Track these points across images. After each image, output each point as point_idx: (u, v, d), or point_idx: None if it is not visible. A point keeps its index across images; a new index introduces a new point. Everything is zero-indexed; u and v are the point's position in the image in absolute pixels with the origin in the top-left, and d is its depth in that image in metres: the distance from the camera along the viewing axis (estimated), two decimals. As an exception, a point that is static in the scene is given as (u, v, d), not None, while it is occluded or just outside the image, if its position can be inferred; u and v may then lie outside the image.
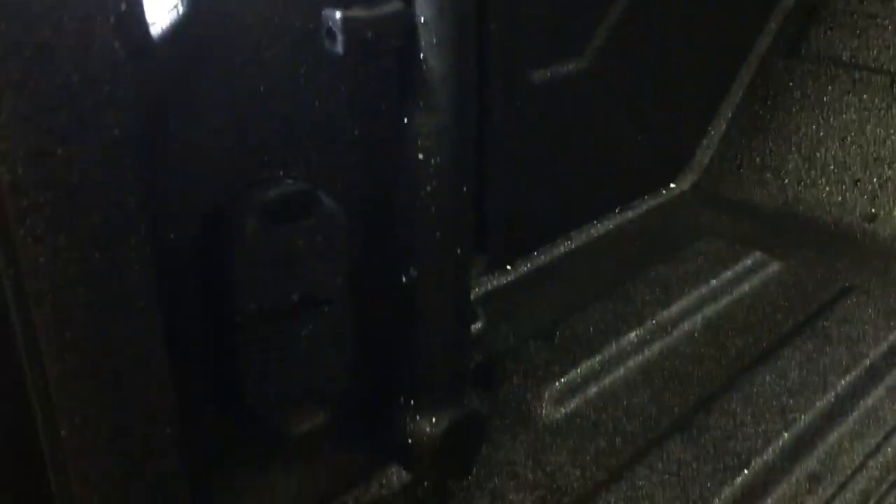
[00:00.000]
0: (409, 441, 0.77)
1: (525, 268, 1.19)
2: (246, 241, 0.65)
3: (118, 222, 0.48)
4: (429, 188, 0.68)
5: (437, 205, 0.68)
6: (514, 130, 1.08)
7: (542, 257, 1.21)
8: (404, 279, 0.72)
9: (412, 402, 0.76)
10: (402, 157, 0.68)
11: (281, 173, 0.68)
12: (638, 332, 1.03)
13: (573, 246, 1.25)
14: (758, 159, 1.38)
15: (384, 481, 0.84)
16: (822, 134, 1.35)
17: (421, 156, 0.68)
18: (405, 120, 0.67)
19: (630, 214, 1.33)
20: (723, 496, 0.81)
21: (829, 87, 1.36)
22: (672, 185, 1.40)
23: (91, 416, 0.50)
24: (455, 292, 0.72)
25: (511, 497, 0.83)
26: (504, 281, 1.16)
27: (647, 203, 1.36)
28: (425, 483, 0.84)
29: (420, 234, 0.69)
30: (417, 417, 0.76)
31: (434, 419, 0.76)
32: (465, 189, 0.70)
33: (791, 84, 1.39)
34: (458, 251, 0.71)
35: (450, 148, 0.68)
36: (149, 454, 0.54)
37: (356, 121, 0.69)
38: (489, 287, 1.14)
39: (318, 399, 0.73)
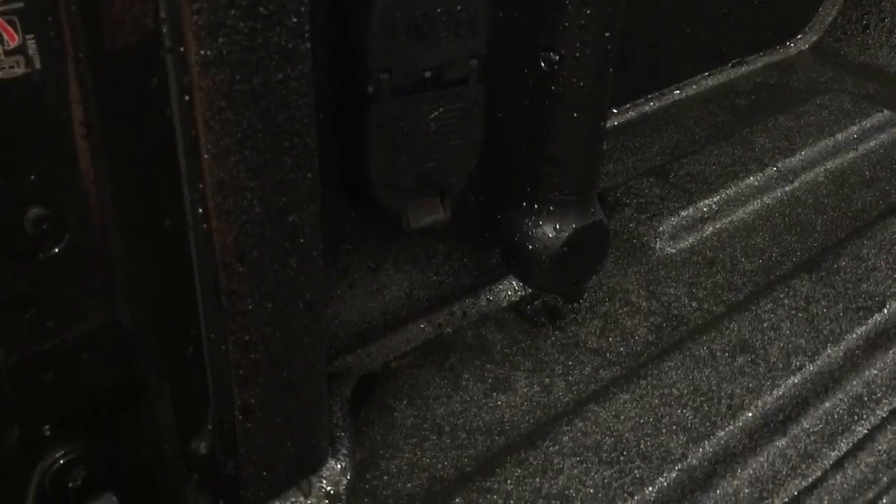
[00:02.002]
0: (529, 246, 0.72)
1: (631, 113, 1.13)
2: (382, 4, 0.59)
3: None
4: (582, -40, 0.62)
5: (590, -22, 0.62)
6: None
7: (651, 104, 1.15)
8: (543, 64, 0.66)
9: (536, 205, 0.72)
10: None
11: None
12: (757, 178, 0.97)
13: (683, 95, 1.17)
14: (887, 20, 1.28)
15: (491, 297, 0.81)
16: (962, -5, 1.24)
17: (577, -79, 0.61)
18: None
19: (744, 69, 1.24)
20: (856, 334, 0.76)
21: (976, -55, 1.25)
22: (790, 44, 1.31)
23: (234, 142, 0.46)
24: (599, 83, 0.67)
25: (625, 322, 0.79)
26: (610, 125, 1.10)
27: (763, 60, 1.27)
28: (535, 301, 0.80)
29: (568, 11, 0.63)
30: (540, 221, 0.72)
31: (558, 224, 0.72)
32: (621, -36, 0.63)
33: (932, -60, 1.27)
34: (607, 34, 0.65)
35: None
36: (287, 192, 0.50)
37: None
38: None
39: (440, 192, 0.69)
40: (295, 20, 0.46)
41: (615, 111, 1.11)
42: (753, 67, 1.25)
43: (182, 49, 0.43)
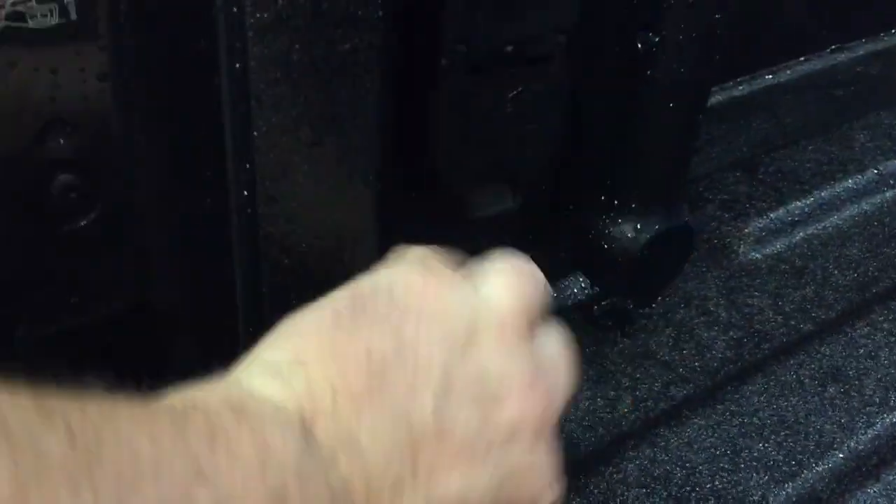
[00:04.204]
0: (604, 246, 0.65)
1: (718, 97, 1.04)
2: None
3: None
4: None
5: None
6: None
7: (740, 88, 1.05)
8: (640, 45, 0.58)
9: (616, 201, 0.65)
10: None
11: None
12: (856, 180, 0.88)
13: (775, 81, 1.08)
14: None
15: (556, 295, 0.74)
16: None
17: None
18: None
19: (843, 57, 1.14)
20: (964, 369, 0.68)
21: None
22: (895, 32, 1.20)
23: (288, 118, 0.40)
24: (701, 70, 0.59)
25: (701, 334, 0.72)
26: (693, 108, 1.01)
27: (865, 47, 1.16)
28: (603, 301, 0.74)
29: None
30: (619, 220, 0.65)
31: (639, 225, 0.64)
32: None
33: None
34: (717, 16, 0.57)
35: None
36: (344, 179, 0.44)
37: None
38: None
39: (512, 179, 0.62)
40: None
41: (700, 94, 1.03)
42: (854, 55, 1.14)
43: (236, 9, 0.37)
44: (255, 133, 0.40)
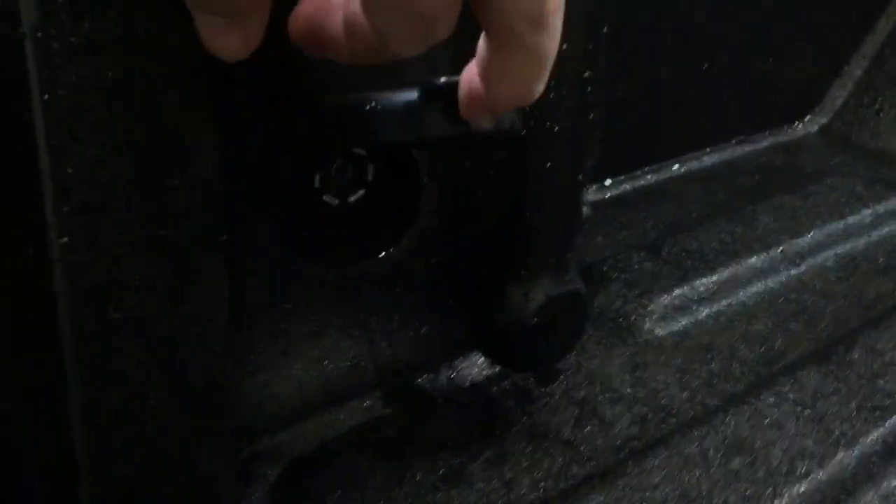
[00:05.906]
0: (494, 316, 0.63)
1: (625, 186, 1.05)
2: None
3: None
4: None
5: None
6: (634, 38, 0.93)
7: (647, 177, 1.06)
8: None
9: (503, 269, 0.62)
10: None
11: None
12: (760, 258, 0.88)
13: (682, 170, 1.09)
14: (901, 104, 1.21)
15: (453, 374, 0.71)
16: (981, 81, 1.18)
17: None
18: None
19: (748, 148, 1.17)
20: (871, 438, 0.65)
21: None
22: (797, 125, 1.23)
23: (106, 151, 0.37)
24: (576, 127, 0.58)
25: (605, 411, 0.68)
26: (602, 196, 1.02)
27: (768, 139, 1.19)
28: (503, 382, 0.70)
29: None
30: (508, 288, 0.62)
31: (528, 292, 0.62)
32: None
33: (948, 24, 1.21)
34: (587, 74, 0.56)
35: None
36: (177, 221, 0.41)
37: None
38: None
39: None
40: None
41: (608, 183, 1.03)
42: (758, 146, 1.17)
43: (41, 34, 0.35)
44: (68, 170, 0.37)
